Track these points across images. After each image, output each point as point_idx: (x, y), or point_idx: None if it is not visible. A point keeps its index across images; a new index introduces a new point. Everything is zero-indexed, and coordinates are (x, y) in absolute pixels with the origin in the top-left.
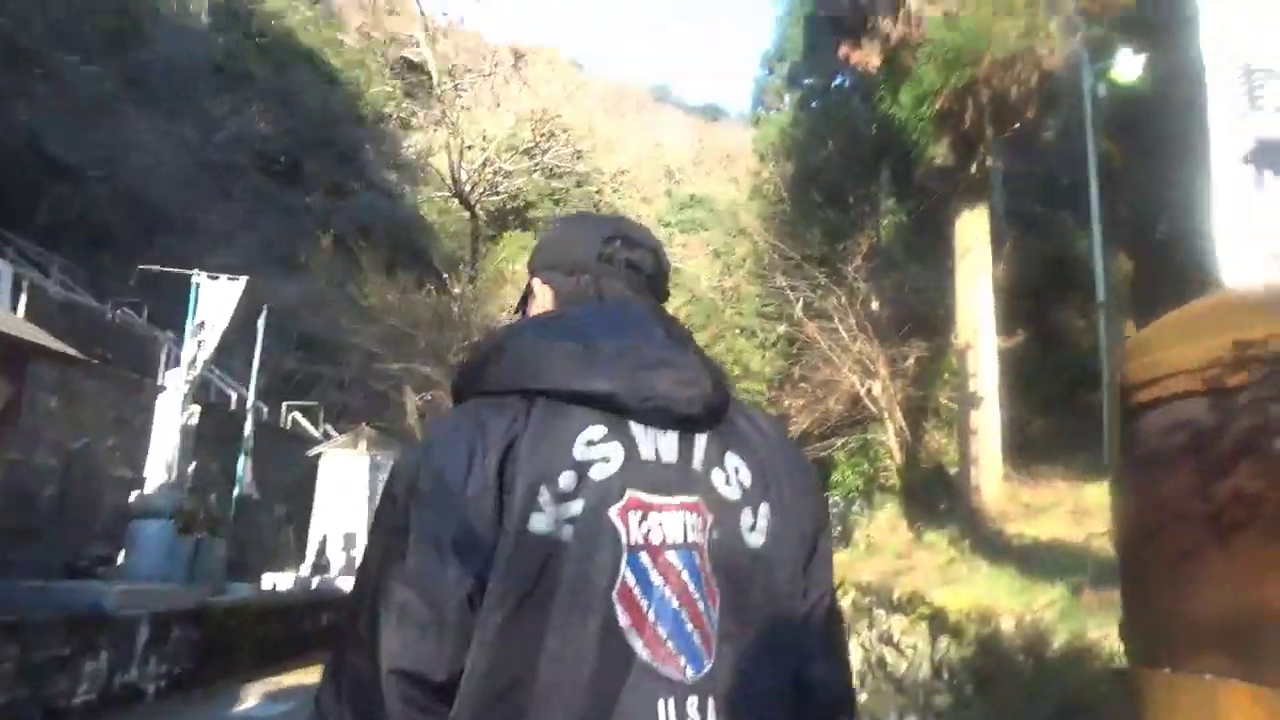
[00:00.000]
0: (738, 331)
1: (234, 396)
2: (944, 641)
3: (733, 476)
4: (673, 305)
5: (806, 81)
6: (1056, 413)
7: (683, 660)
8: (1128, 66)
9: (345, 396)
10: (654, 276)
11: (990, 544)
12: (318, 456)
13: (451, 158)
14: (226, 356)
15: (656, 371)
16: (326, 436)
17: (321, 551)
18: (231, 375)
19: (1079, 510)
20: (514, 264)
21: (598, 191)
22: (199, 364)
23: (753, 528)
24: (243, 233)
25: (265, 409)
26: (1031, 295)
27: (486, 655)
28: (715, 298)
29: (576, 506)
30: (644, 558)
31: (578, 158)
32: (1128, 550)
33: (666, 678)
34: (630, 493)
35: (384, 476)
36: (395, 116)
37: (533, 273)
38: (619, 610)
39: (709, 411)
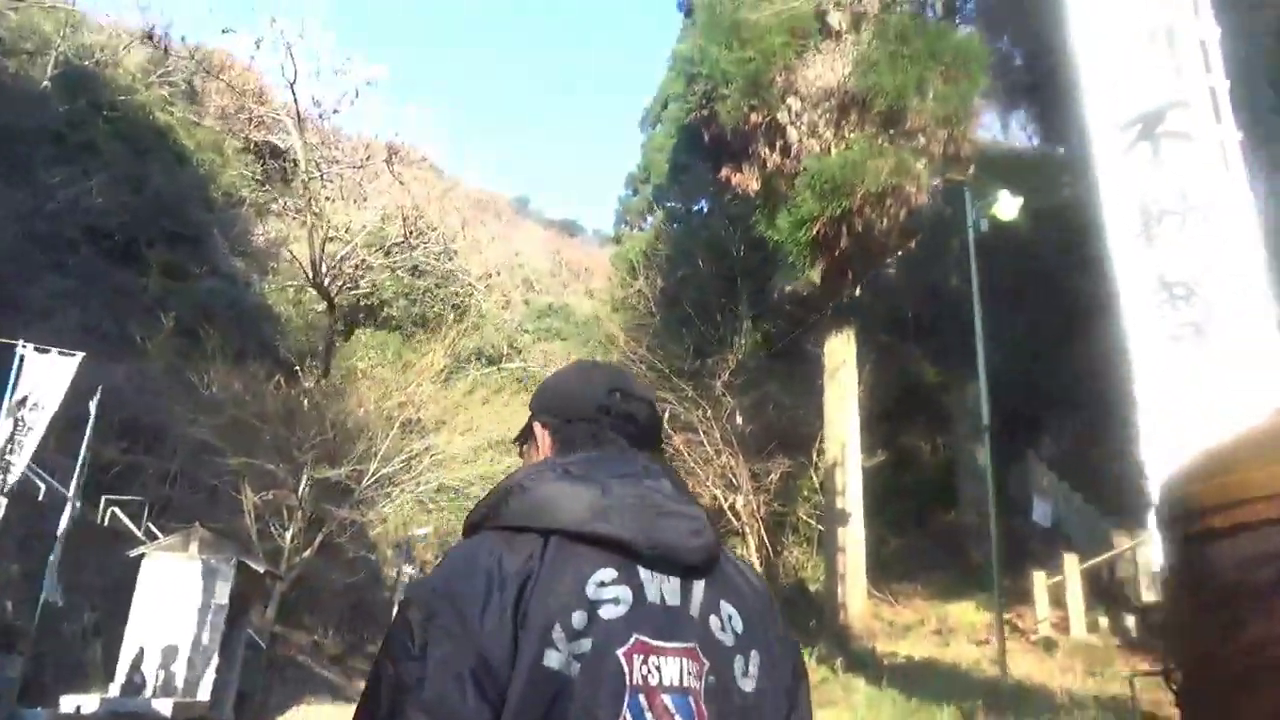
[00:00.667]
0: None
1: (43, 488)
2: None
3: (727, 623)
4: None
5: (669, 204)
6: (910, 533)
7: None
8: (1007, 206)
9: (171, 492)
10: (648, 428)
11: (863, 663)
12: (139, 557)
13: (314, 248)
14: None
15: (667, 520)
16: (150, 536)
17: (136, 667)
18: (39, 462)
19: (944, 629)
20: (365, 361)
21: (460, 293)
22: (21, 448)
23: (745, 673)
24: (69, 309)
25: (80, 503)
26: (885, 419)
27: None
28: None
29: (586, 644)
30: (642, 699)
31: (448, 258)
32: (1201, 698)
33: None
34: (636, 635)
35: (219, 583)
36: (249, 202)
37: (533, 414)
38: None
39: (708, 560)
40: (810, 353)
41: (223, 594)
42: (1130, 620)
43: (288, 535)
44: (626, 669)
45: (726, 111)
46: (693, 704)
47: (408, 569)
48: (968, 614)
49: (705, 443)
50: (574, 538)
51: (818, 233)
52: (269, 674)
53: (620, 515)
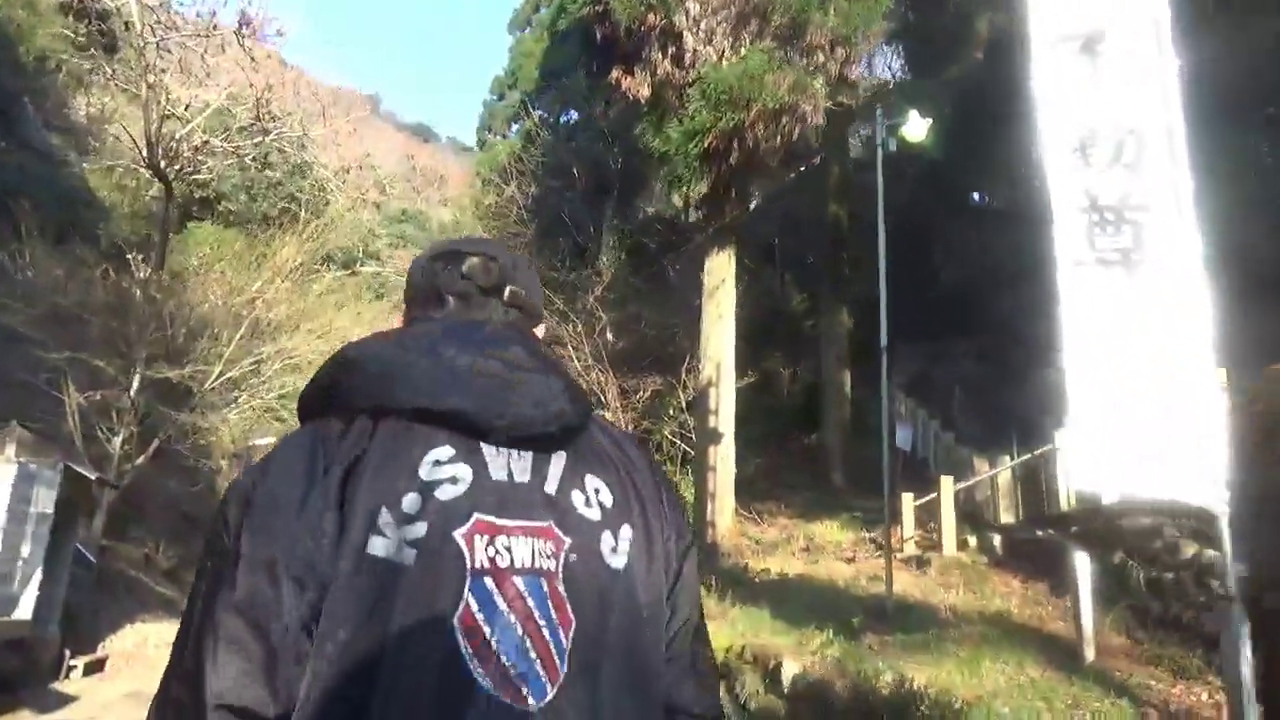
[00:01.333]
0: None
1: None
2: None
3: (593, 497)
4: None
5: (538, 112)
6: (771, 454)
7: (524, 689)
8: (916, 127)
9: None
10: (491, 285)
11: (736, 579)
12: None
13: (149, 124)
14: None
15: (514, 390)
16: None
17: None
18: None
19: (811, 547)
20: (198, 259)
21: (309, 191)
22: None
23: (614, 550)
24: None
25: None
26: (747, 342)
27: (320, 687)
28: None
29: (420, 529)
30: (488, 582)
31: (299, 148)
32: None
33: (508, 706)
34: (478, 515)
35: (42, 490)
36: (67, 70)
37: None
38: (460, 637)
39: (566, 431)
40: (683, 271)
41: (46, 502)
42: (996, 540)
43: (117, 440)
44: (468, 552)
45: (622, 9)
46: (545, 585)
47: None
48: (832, 532)
49: (574, 358)
50: (407, 415)
51: (709, 146)
52: (99, 591)
53: (457, 387)
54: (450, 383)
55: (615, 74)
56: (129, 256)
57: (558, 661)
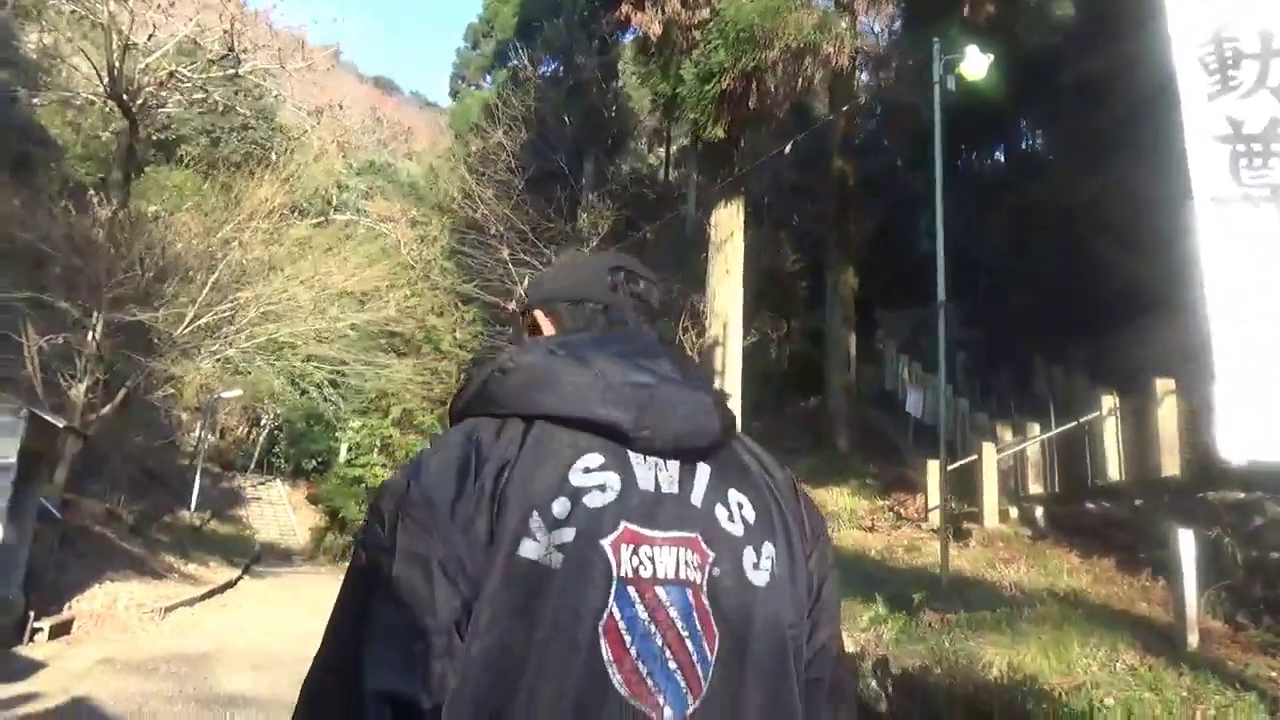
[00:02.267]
0: (431, 310)
1: None
2: None
3: (736, 512)
4: (380, 270)
5: (512, 63)
6: (769, 417)
7: (662, 699)
8: (975, 64)
9: None
10: (656, 309)
11: None
12: None
13: (110, 53)
14: None
15: (665, 402)
16: None
17: None
18: None
19: (826, 515)
20: (157, 204)
21: (275, 137)
22: None
23: (756, 566)
24: None
25: None
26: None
27: (471, 684)
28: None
29: (568, 534)
30: (632, 591)
31: (270, 89)
32: None
33: (645, 715)
34: (625, 524)
35: (4, 438)
36: (13, 4)
37: (533, 306)
38: (603, 643)
39: (713, 445)
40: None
41: (8, 450)
42: (1039, 512)
43: (81, 387)
44: (614, 559)
45: None
46: (690, 597)
47: (210, 436)
48: (844, 499)
49: None
50: (559, 422)
51: (726, 88)
52: (63, 549)
53: (610, 396)
54: (603, 392)
55: (625, 8)
56: (90, 196)
57: (700, 674)
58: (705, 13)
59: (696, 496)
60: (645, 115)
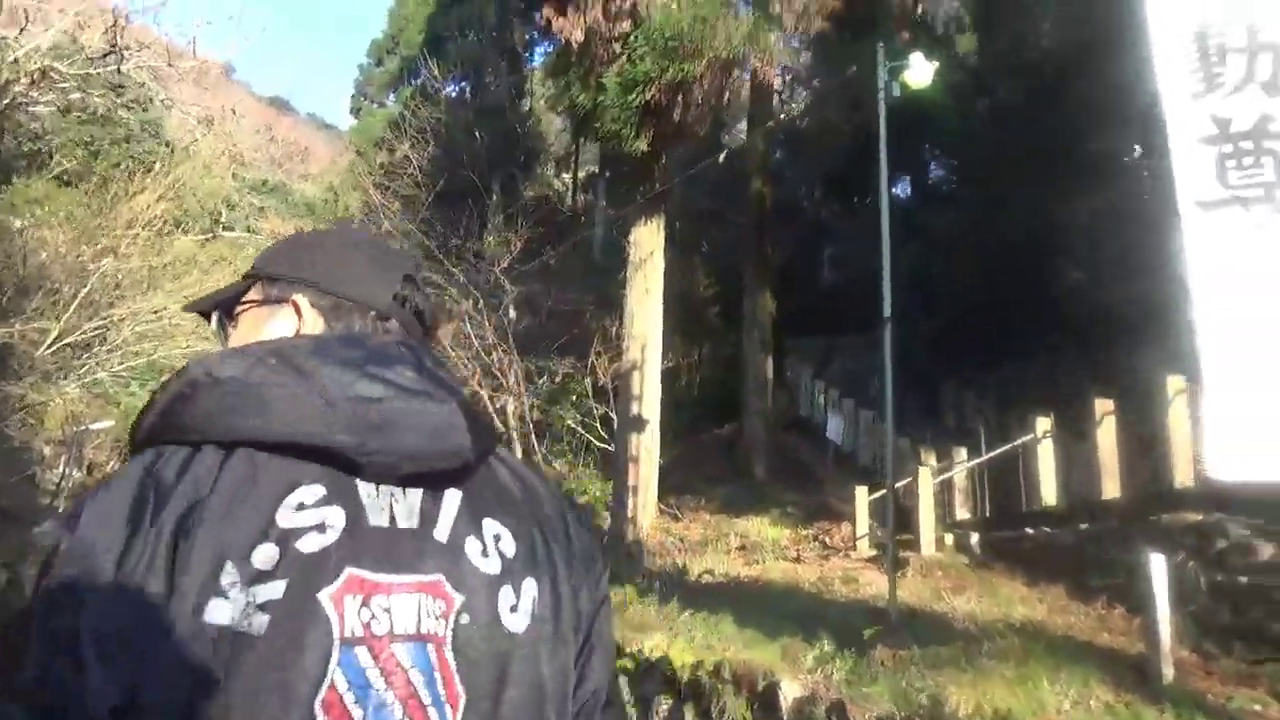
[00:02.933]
0: None
1: None
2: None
3: (491, 546)
4: None
5: (417, 81)
6: (683, 444)
7: None
8: (920, 72)
9: None
10: (428, 329)
11: (675, 583)
12: None
13: None
14: None
15: (401, 418)
16: None
17: None
18: None
19: (748, 545)
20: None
21: (159, 151)
22: None
23: (514, 609)
24: None
25: None
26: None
27: None
28: None
29: (275, 589)
30: (361, 653)
31: (158, 80)
32: None
33: None
34: (350, 570)
35: None
36: None
37: (282, 279)
38: None
39: (465, 467)
40: (595, 248)
41: None
42: (974, 539)
43: None
44: (336, 615)
45: None
46: (432, 654)
47: (75, 472)
48: (765, 529)
49: (475, 337)
50: (267, 448)
51: (651, 99)
52: None
53: (331, 414)
54: (322, 410)
55: (546, 12)
56: None
57: None
58: (627, 24)
59: (442, 531)
60: (554, 139)
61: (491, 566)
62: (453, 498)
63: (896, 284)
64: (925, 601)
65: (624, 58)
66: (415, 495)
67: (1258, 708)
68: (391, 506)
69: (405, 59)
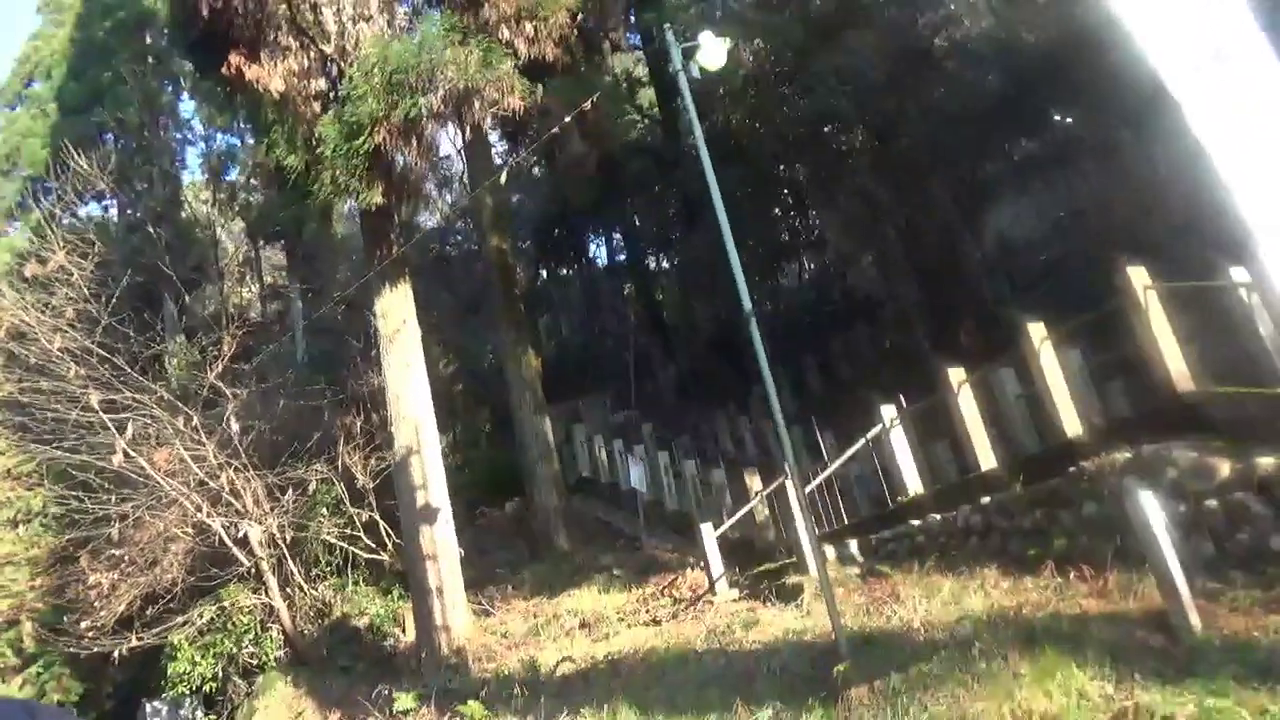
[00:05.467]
0: None
1: None
2: None
3: None
4: None
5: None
6: (466, 528)
7: None
8: (713, 53)
9: None
10: None
11: (527, 685)
12: None
13: None
14: None
15: None
16: None
17: None
18: None
19: (588, 622)
20: None
21: None
22: None
23: None
24: None
25: None
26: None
27: None
28: None
29: None
30: None
31: None
32: None
33: None
34: None
35: None
36: None
37: None
38: None
39: None
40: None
41: None
42: (854, 548)
43: None
44: None
45: None
46: None
47: None
48: (595, 601)
49: (194, 460)
50: None
51: (380, 142)
52: None
53: None
54: None
55: (235, 61)
56: None
57: None
58: (320, 80)
59: None
60: (234, 248)
61: None
62: None
63: (618, 352)
64: (862, 621)
65: (341, 104)
66: None
67: None
68: None
69: (29, 179)
